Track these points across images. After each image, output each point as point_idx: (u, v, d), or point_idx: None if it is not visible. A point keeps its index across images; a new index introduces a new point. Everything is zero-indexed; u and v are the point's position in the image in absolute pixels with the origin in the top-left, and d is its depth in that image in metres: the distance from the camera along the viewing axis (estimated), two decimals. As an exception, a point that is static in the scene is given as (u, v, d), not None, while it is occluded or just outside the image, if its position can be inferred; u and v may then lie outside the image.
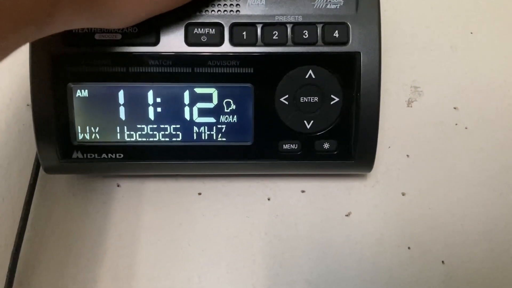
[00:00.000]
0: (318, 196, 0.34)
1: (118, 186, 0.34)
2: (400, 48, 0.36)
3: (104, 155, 0.30)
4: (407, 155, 0.35)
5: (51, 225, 0.34)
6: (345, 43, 0.29)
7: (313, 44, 0.29)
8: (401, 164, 0.35)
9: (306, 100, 0.30)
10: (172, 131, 0.30)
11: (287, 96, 0.30)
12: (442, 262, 0.34)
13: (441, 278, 0.33)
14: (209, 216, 0.34)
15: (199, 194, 0.34)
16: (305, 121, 0.30)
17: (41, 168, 0.33)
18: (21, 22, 0.20)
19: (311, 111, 0.30)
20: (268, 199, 0.34)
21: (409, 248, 0.34)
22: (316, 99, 0.30)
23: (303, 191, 0.34)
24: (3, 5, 0.18)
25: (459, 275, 0.33)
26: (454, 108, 0.35)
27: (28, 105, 0.35)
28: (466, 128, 0.35)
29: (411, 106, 0.35)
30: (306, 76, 0.30)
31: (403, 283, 0.33)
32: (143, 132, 0.30)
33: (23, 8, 0.19)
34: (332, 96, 0.30)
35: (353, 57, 0.29)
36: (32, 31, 0.21)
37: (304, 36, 0.29)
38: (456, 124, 0.35)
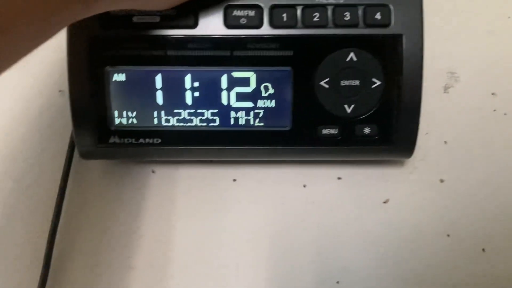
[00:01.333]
0: (354, 183, 0.34)
1: (152, 172, 0.34)
2: (436, 33, 0.35)
3: (141, 140, 0.30)
4: (445, 142, 0.34)
5: (85, 211, 0.34)
6: (387, 25, 0.28)
7: (354, 26, 0.29)
8: (439, 150, 0.34)
9: (347, 84, 0.29)
10: (209, 116, 0.30)
11: (327, 79, 0.29)
12: (483, 249, 0.33)
13: (482, 266, 0.33)
14: (244, 202, 0.34)
15: (234, 180, 0.34)
16: (345, 105, 0.30)
17: (74, 154, 0.33)
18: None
19: (351, 95, 0.29)
20: (304, 186, 0.34)
21: (448, 235, 0.33)
22: (357, 82, 0.29)
23: (339, 178, 0.34)
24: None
25: (500, 262, 0.33)
26: (492, 94, 0.35)
27: (60, 91, 0.35)
28: (504, 114, 0.34)
29: (447, 92, 0.35)
30: (347, 59, 0.29)
31: (442, 271, 0.33)
32: (180, 117, 0.30)
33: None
34: (373, 79, 0.29)
35: (395, 39, 0.29)
36: (80, 8, 0.21)
37: (345, 18, 0.28)
38: (494, 110, 0.34)
